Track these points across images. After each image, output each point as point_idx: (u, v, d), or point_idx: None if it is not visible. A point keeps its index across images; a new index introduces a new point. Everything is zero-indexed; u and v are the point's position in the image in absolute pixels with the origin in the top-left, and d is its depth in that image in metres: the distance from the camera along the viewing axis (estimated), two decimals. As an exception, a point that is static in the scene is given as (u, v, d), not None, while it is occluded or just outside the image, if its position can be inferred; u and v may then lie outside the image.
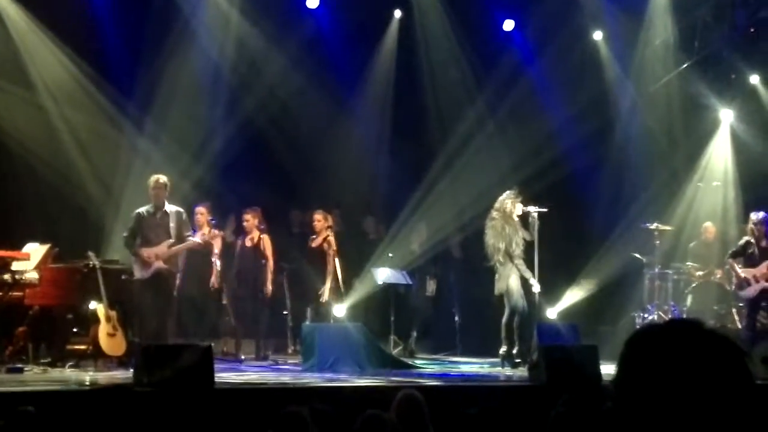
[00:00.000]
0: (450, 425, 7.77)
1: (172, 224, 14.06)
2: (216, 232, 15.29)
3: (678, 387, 2.10)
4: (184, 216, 14.34)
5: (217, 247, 15.68)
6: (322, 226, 15.99)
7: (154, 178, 14.16)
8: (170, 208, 14.16)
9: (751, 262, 15.45)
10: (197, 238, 14.42)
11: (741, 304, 16.46)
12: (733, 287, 16.37)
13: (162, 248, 13.94)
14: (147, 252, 13.87)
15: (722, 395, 2.10)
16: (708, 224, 18.43)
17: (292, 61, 18.63)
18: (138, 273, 13.92)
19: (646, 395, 2.14)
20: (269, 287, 15.93)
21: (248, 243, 15.90)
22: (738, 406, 2.11)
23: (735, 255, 15.74)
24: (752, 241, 15.51)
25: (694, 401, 2.10)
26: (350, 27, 19.48)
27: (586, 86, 19.42)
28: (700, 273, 17.68)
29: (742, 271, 15.47)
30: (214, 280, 15.66)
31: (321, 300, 15.69)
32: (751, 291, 15.35)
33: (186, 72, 17.73)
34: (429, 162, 19.20)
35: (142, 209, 14.13)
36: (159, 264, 13.88)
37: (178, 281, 14.86)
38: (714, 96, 19.76)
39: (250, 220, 15.89)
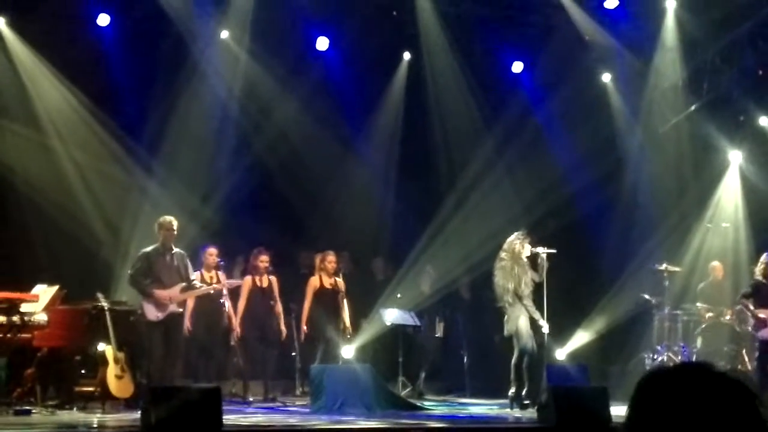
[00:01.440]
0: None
1: (180, 266, 14.11)
2: (233, 281, 15.40)
3: (689, 430, 2.09)
4: (187, 258, 14.40)
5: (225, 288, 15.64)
6: (335, 267, 15.98)
7: (167, 219, 14.18)
8: (175, 249, 14.22)
9: (762, 303, 15.37)
10: (203, 286, 14.58)
11: (756, 344, 16.32)
12: (750, 328, 16.22)
13: (175, 291, 13.99)
14: (163, 294, 13.89)
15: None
16: (715, 264, 18.35)
17: (302, 103, 18.71)
18: (151, 314, 13.86)
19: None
20: (284, 329, 15.91)
21: (261, 284, 15.82)
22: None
23: (747, 296, 15.67)
24: (764, 281, 15.45)
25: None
26: (360, 69, 19.54)
27: (595, 128, 19.44)
28: (710, 314, 17.58)
29: (760, 312, 15.36)
30: (235, 322, 15.58)
31: (347, 333, 15.68)
32: None
33: (195, 114, 17.81)
34: (437, 203, 19.22)
35: (150, 249, 14.15)
36: (174, 307, 13.93)
37: (186, 323, 14.86)
38: (723, 138, 19.76)
39: (266, 261, 15.83)
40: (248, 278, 15.84)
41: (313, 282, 15.96)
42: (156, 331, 13.88)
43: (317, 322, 15.75)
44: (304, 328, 15.84)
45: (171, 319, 13.96)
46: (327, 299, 15.85)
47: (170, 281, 14.05)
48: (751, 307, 15.50)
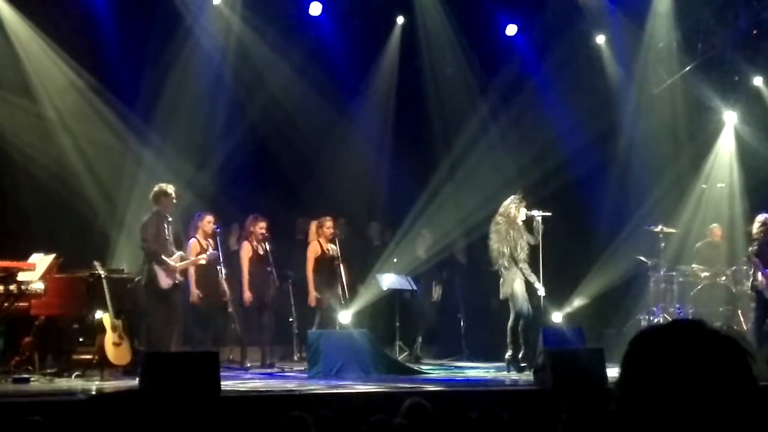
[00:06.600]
0: (454, 431, 7.72)
1: (174, 235, 14.14)
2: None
3: (680, 388, 2.09)
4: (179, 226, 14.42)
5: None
6: (333, 233, 15.97)
7: (168, 187, 14.12)
8: (170, 218, 14.21)
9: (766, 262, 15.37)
10: (202, 256, 14.66)
11: (752, 304, 16.28)
12: (749, 288, 16.11)
13: (176, 260, 14.03)
14: (170, 263, 13.94)
15: (725, 397, 2.09)
16: (715, 226, 18.39)
17: (295, 69, 18.65)
18: (164, 282, 13.88)
19: (649, 397, 2.13)
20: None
21: (259, 251, 15.82)
22: (741, 407, 2.10)
23: (757, 254, 15.57)
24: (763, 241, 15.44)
25: (696, 403, 2.09)
26: (353, 34, 19.45)
27: (590, 90, 19.39)
28: (706, 274, 17.63)
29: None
30: (228, 289, 15.56)
31: (344, 299, 15.71)
32: None
33: (189, 81, 17.74)
34: (433, 168, 19.23)
35: (154, 216, 14.07)
36: (177, 275, 14.00)
37: (195, 290, 14.88)
38: (718, 98, 19.75)
39: (264, 228, 15.81)
40: (246, 245, 15.80)
41: (314, 248, 15.90)
42: (162, 299, 13.90)
43: (316, 287, 15.75)
44: (315, 294, 15.76)
45: (175, 288, 14.02)
46: (326, 265, 15.86)
47: (173, 249, 14.14)
48: (759, 264, 15.42)
